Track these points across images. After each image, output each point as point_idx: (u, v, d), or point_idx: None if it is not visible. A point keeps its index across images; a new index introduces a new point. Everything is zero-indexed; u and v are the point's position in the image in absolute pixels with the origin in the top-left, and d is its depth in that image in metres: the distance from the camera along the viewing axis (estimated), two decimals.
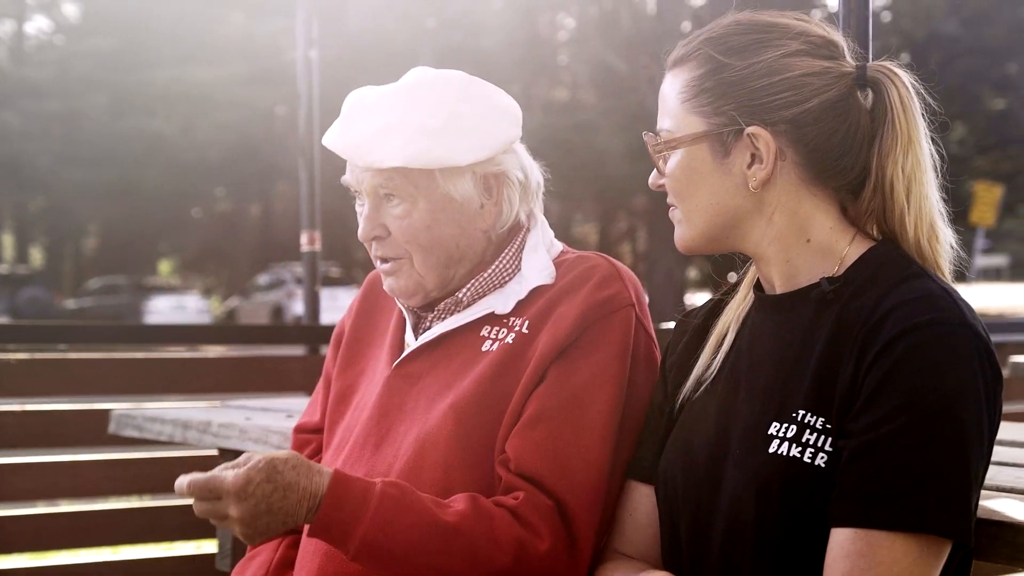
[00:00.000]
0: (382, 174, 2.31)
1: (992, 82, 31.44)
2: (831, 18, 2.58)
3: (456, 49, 29.99)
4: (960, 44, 29.99)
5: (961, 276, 2.00)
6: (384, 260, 2.39)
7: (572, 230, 36.97)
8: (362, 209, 2.38)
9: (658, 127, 2.03)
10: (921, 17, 31.78)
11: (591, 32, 32.02)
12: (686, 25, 32.61)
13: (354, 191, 2.40)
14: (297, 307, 31.00)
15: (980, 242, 26.43)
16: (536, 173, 2.45)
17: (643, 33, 30.01)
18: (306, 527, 2.21)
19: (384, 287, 2.42)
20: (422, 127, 2.29)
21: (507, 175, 2.38)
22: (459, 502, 2.15)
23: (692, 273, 37.21)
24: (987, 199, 25.12)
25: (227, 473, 2.02)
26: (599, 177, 29.74)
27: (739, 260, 2.15)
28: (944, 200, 2.00)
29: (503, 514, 2.14)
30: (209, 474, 2.03)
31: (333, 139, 2.35)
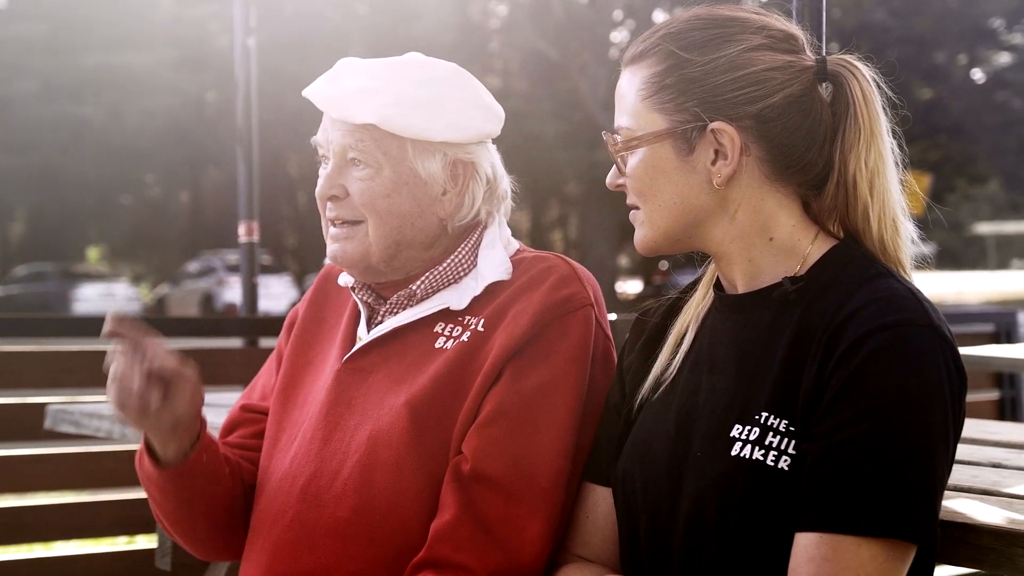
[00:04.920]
0: (353, 134, 2.27)
1: (921, 72, 31.76)
2: (785, 11, 2.55)
3: (388, 35, 29.88)
4: (889, 34, 30.26)
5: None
6: (337, 223, 2.33)
7: None
8: (325, 171, 2.34)
9: (616, 125, 1.99)
10: (850, 6, 32.04)
11: (523, 19, 32.02)
12: (618, 13, 32.66)
13: (321, 154, 2.35)
14: (228, 295, 30.86)
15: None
16: (506, 182, 2.43)
17: (575, 20, 30.07)
18: None
19: (329, 255, 2.36)
20: (404, 95, 2.27)
21: (476, 168, 2.35)
22: None
23: (623, 261, 37.34)
24: (916, 189, 25.30)
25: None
26: (532, 164, 29.78)
27: (697, 258, 2.11)
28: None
29: None
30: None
31: (314, 90, 2.32)
